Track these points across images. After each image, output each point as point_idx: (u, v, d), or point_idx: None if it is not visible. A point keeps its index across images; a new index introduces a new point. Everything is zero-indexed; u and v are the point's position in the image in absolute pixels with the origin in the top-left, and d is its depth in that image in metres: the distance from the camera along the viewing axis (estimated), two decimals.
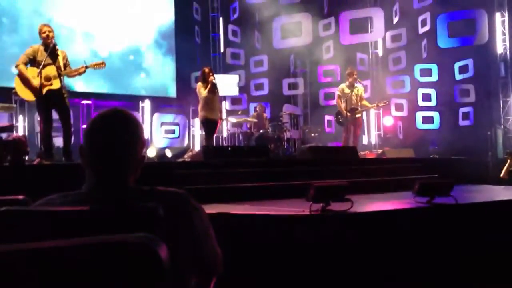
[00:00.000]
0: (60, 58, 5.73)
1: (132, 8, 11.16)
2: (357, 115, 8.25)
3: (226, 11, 12.23)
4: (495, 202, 4.72)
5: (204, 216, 1.37)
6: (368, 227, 3.67)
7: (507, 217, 4.25)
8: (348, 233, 3.54)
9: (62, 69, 5.71)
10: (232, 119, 10.15)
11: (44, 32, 5.64)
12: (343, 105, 8.22)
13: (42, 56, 5.58)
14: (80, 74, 5.78)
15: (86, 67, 5.73)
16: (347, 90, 8.28)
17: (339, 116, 8.43)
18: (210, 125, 7.37)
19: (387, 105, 10.44)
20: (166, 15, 11.73)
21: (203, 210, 1.38)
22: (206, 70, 7.41)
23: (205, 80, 7.31)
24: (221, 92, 11.25)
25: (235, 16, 12.12)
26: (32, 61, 5.62)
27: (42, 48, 5.65)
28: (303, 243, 3.42)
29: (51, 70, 5.61)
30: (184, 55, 11.67)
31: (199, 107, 7.39)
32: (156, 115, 11.00)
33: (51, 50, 5.64)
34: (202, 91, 7.28)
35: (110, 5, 10.91)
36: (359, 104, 8.31)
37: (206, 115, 7.29)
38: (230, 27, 12.10)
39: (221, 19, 12.17)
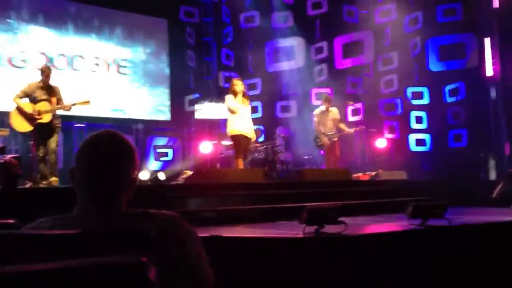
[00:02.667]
0: (54, 94, 6.42)
1: (126, 31, 11.24)
2: (334, 139, 8.48)
3: (219, 35, 12.36)
4: (488, 223, 4.72)
5: (197, 239, 1.36)
6: (362, 249, 3.65)
7: (500, 239, 4.25)
8: (342, 256, 3.52)
9: (55, 104, 6.36)
10: (226, 142, 10.15)
11: (47, 75, 6.36)
12: (322, 130, 8.49)
13: (38, 93, 6.28)
14: (67, 110, 6.47)
15: (73, 104, 6.44)
16: (323, 115, 8.57)
17: (317, 140, 8.66)
18: (238, 140, 6.84)
19: (379, 128, 10.58)
20: (160, 39, 11.83)
21: (196, 233, 1.37)
22: (235, 81, 7.00)
23: (234, 92, 6.85)
24: (215, 116, 11.41)
25: (229, 40, 12.26)
26: (28, 97, 6.28)
27: (38, 85, 6.34)
28: (297, 266, 3.39)
29: (43, 106, 6.26)
30: (178, 78, 11.73)
31: (227, 120, 6.98)
32: (149, 138, 10.99)
33: (47, 88, 6.38)
34: (227, 100, 6.86)
35: (104, 25, 10.99)
36: (336, 128, 8.55)
37: (234, 129, 6.84)
38: (224, 51, 12.22)
39: (214, 43, 12.29)
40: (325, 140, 8.42)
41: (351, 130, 8.69)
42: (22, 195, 4.59)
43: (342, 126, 8.66)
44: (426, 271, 3.70)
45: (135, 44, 11.36)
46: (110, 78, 10.96)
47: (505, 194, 6.95)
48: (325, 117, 8.56)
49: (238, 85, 6.89)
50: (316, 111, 8.73)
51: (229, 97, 6.92)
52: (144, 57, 11.51)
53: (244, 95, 6.93)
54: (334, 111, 8.66)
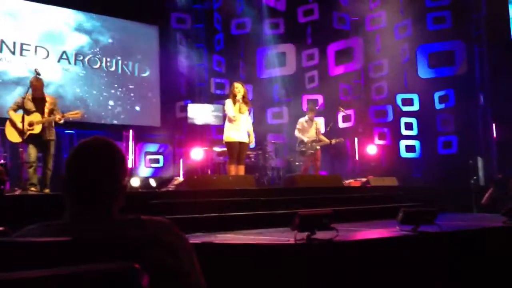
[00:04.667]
0: (47, 105, 6.48)
1: (117, 37, 11.22)
2: (317, 147, 8.74)
3: (210, 41, 12.37)
4: (478, 229, 4.75)
5: (188, 246, 1.35)
6: (353, 255, 3.65)
7: (490, 244, 4.27)
8: (334, 262, 3.52)
9: (46, 116, 6.43)
10: (217, 149, 10.14)
11: (34, 87, 6.43)
12: (304, 137, 8.74)
13: (29, 105, 6.40)
14: (59, 121, 6.48)
15: (63, 116, 6.47)
16: (306, 124, 8.86)
17: (301, 146, 8.85)
18: (232, 148, 6.79)
19: (370, 135, 10.65)
20: (151, 45, 11.81)
21: (187, 240, 1.36)
22: (236, 85, 6.89)
23: (234, 96, 6.80)
24: (206, 122, 11.39)
25: (220, 46, 12.28)
26: (21, 108, 6.41)
27: (30, 97, 6.45)
28: (288, 272, 3.38)
29: (35, 117, 6.36)
30: (169, 84, 11.72)
31: (225, 126, 6.92)
32: (140, 144, 10.94)
33: (38, 99, 6.48)
34: (227, 106, 6.80)
35: (95, 31, 10.96)
36: (318, 137, 8.83)
37: (229, 136, 6.79)
38: (215, 57, 12.24)
39: (205, 50, 12.31)
40: (310, 146, 8.66)
41: (333, 141, 8.90)
42: (10, 202, 4.54)
43: (322, 137, 8.93)
44: (417, 277, 3.71)
45: (126, 50, 11.33)
46: (100, 83, 10.91)
47: (494, 200, 7.01)
48: (309, 126, 8.84)
49: (239, 88, 6.83)
50: (301, 120, 8.98)
51: (228, 102, 6.89)
52: (135, 63, 11.49)
53: (244, 99, 6.87)
54: (318, 122, 9.03)
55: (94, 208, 1.29)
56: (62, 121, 6.52)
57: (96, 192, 1.30)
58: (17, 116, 6.36)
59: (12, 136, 6.38)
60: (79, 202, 1.30)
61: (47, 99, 6.59)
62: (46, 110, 6.47)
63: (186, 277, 1.29)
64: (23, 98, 6.46)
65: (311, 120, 8.89)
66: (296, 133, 8.93)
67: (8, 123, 6.44)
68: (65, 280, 0.82)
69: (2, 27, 9.74)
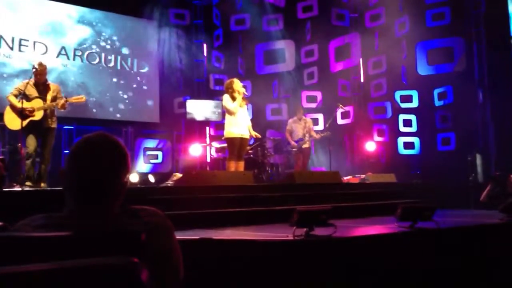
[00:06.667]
0: (49, 92, 6.30)
1: (115, 32, 11.20)
2: (303, 146, 9.20)
3: (209, 37, 12.35)
4: (476, 226, 4.76)
5: (171, 227, 1.37)
6: (351, 252, 3.67)
7: (489, 241, 4.29)
8: (332, 258, 3.53)
9: (48, 102, 6.21)
10: (216, 145, 10.14)
11: (37, 73, 6.20)
12: (290, 137, 9.36)
13: (31, 90, 6.19)
14: (62, 107, 6.25)
15: (66, 101, 6.27)
16: (294, 124, 9.42)
17: (288, 146, 9.56)
18: (233, 143, 6.80)
19: (369, 131, 10.66)
20: (149, 41, 11.79)
21: (169, 221, 1.38)
22: (235, 81, 6.92)
23: (233, 92, 6.81)
24: (203, 117, 11.39)
25: (219, 42, 12.26)
26: (23, 94, 6.11)
27: (32, 82, 6.23)
28: (287, 268, 3.39)
29: (36, 103, 6.15)
30: (167, 80, 11.71)
31: (225, 121, 6.93)
32: (139, 140, 10.93)
33: (41, 85, 6.28)
34: (225, 101, 6.78)
35: (94, 27, 10.94)
36: (307, 135, 9.25)
37: (230, 131, 6.80)
38: (214, 53, 12.22)
39: (204, 46, 12.29)
40: (294, 145, 9.19)
41: (317, 136, 9.23)
42: (9, 197, 4.54)
43: (313, 133, 9.34)
44: (414, 273, 3.73)
45: (124, 46, 11.31)
46: (99, 79, 10.90)
47: (492, 197, 7.02)
48: (296, 125, 9.33)
49: (240, 85, 6.91)
50: (290, 120, 9.55)
51: (226, 97, 6.89)
52: (134, 59, 11.47)
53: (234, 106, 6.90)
54: (308, 120, 9.46)
55: (95, 203, 1.30)
56: (66, 106, 6.26)
57: (97, 192, 1.30)
58: (19, 102, 6.06)
59: (12, 123, 6.10)
60: (81, 198, 1.30)
61: (50, 86, 6.37)
62: (49, 97, 6.24)
63: (178, 259, 1.32)
64: (25, 83, 6.20)
65: (299, 119, 9.35)
66: (286, 134, 9.50)
67: (8, 109, 6.16)
68: (65, 274, 0.83)
69: (0, 22, 9.71)
